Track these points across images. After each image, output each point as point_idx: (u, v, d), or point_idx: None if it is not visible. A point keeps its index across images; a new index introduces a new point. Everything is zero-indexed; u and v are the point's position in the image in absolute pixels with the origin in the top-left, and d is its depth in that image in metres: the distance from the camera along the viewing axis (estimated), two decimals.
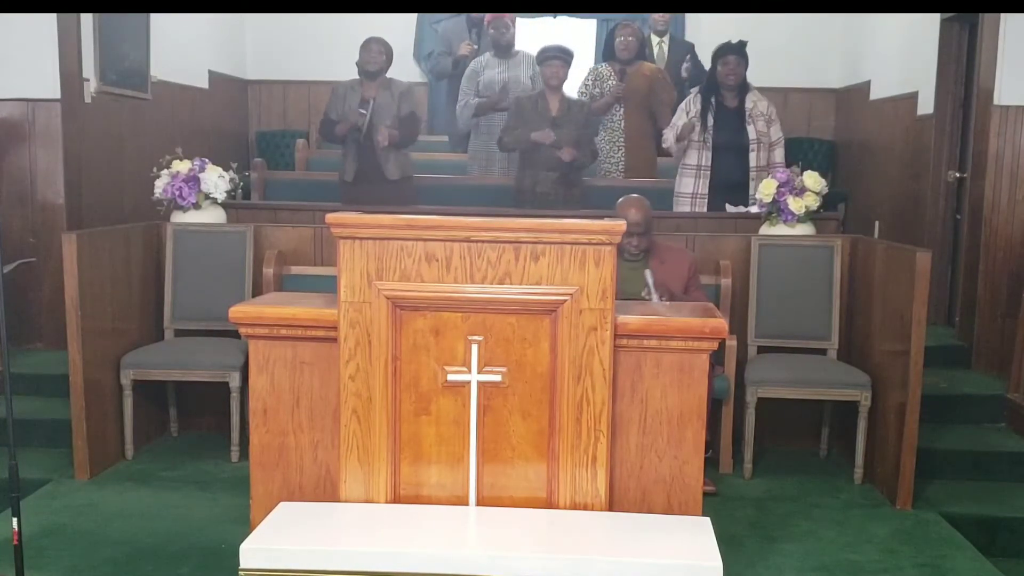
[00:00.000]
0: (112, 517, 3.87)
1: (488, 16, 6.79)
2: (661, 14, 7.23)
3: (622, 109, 6.37)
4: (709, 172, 5.51)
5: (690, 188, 5.59)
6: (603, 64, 6.61)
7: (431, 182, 6.32)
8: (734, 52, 5.47)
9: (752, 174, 5.44)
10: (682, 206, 5.62)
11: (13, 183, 5.45)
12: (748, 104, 5.52)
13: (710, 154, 5.53)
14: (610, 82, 6.38)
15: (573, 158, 5.70)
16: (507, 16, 6.62)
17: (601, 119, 6.40)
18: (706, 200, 5.52)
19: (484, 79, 6.53)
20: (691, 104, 5.59)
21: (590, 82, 6.49)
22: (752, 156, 5.47)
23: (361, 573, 2.58)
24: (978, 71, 5.73)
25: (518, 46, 6.71)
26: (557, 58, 5.78)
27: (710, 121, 5.52)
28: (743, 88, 5.53)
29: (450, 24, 7.60)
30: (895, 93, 6.99)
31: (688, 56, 7.05)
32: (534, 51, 6.69)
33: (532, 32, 7.90)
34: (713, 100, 5.54)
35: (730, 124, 5.51)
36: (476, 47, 7.03)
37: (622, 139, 6.41)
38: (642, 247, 4.32)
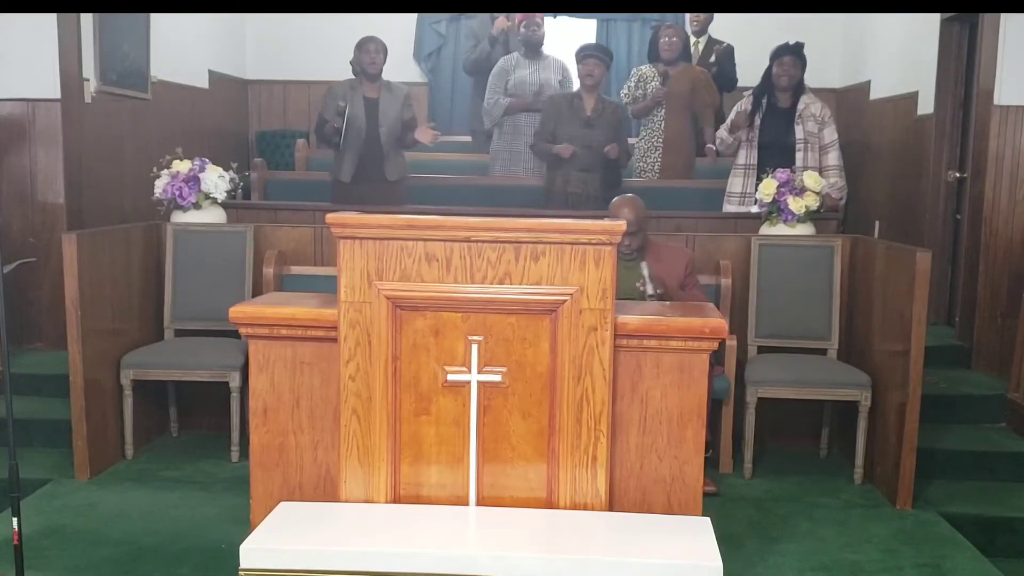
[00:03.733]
0: (112, 517, 3.86)
1: (519, 16, 6.79)
2: (695, 15, 7.23)
3: (663, 110, 6.39)
4: (755, 171, 5.51)
5: (739, 187, 5.62)
6: (646, 65, 6.62)
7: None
8: (790, 53, 5.47)
9: (797, 172, 5.42)
10: (731, 205, 5.65)
11: (13, 183, 5.45)
12: (800, 105, 5.51)
13: (756, 153, 5.55)
14: (653, 83, 6.41)
15: (618, 155, 5.69)
16: (538, 15, 6.62)
17: (639, 120, 6.43)
18: (754, 199, 5.53)
19: (515, 78, 6.51)
20: (744, 105, 5.62)
21: (632, 84, 6.52)
22: (799, 156, 5.46)
23: (361, 573, 2.59)
24: (978, 71, 5.73)
25: (544, 48, 6.70)
26: (594, 57, 5.75)
27: (757, 120, 5.53)
28: (798, 89, 5.53)
29: (474, 23, 7.60)
30: (895, 93, 6.99)
31: (711, 59, 7.04)
32: (555, 53, 6.72)
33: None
34: (765, 100, 5.56)
35: (778, 124, 5.52)
36: (510, 23, 7.00)
37: (661, 140, 6.44)
38: (635, 246, 4.31)
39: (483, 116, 6.71)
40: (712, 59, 6.99)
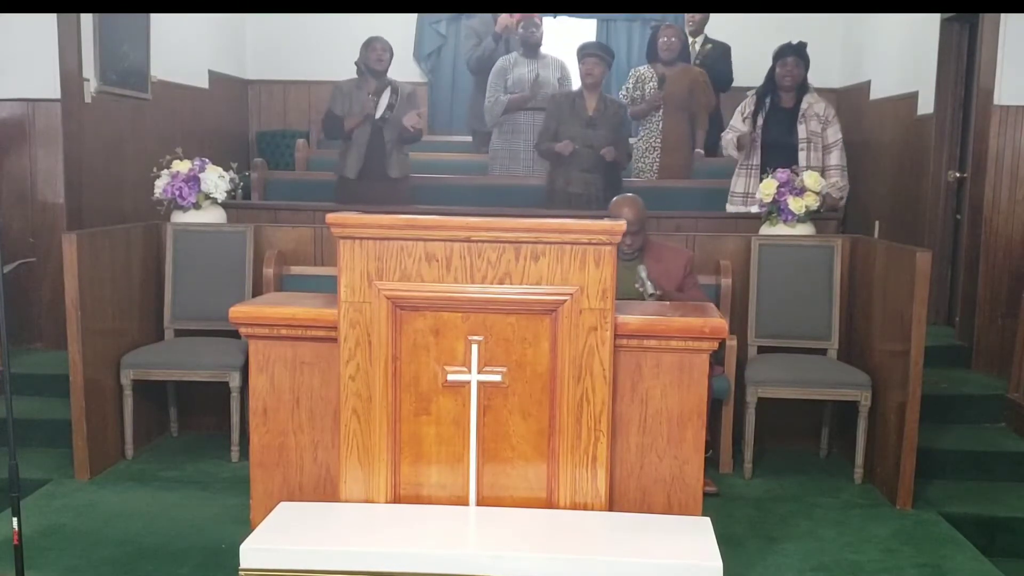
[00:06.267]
0: (112, 517, 3.86)
1: (517, 15, 6.80)
2: (691, 15, 7.23)
3: (661, 110, 6.40)
4: (758, 171, 5.50)
5: (741, 187, 5.62)
6: (644, 66, 6.63)
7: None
8: (793, 53, 5.45)
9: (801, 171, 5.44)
10: (734, 205, 5.65)
11: (13, 183, 5.45)
12: (804, 105, 5.50)
13: (759, 153, 5.54)
14: (650, 83, 6.41)
15: (615, 158, 5.67)
16: (536, 15, 6.64)
17: (638, 120, 6.44)
18: (755, 199, 5.53)
19: (513, 76, 6.52)
20: (747, 106, 5.59)
21: (631, 85, 6.52)
22: (801, 155, 5.44)
23: (361, 573, 2.59)
24: (978, 71, 5.73)
25: (542, 48, 6.71)
26: (595, 55, 5.73)
27: (760, 120, 5.52)
28: (801, 89, 5.52)
29: (474, 21, 7.60)
30: (895, 93, 6.99)
31: (708, 53, 7.06)
32: (554, 52, 6.73)
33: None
34: (768, 100, 5.54)
35: (781, 124, 5.50)
36: (514, 20, 7.03)
37: (659, 140, 6.44)
38: (636, 246, 4.31)
39: (485, 114, 6.71)
40: (708, 59, 6.99)
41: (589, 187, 5.71)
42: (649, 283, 4.03)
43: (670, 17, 7.87)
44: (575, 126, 5.70)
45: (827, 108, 5.55)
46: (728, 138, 5.66)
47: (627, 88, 6.55)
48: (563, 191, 5.74)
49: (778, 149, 5.45)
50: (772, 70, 5.54)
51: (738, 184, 5.68)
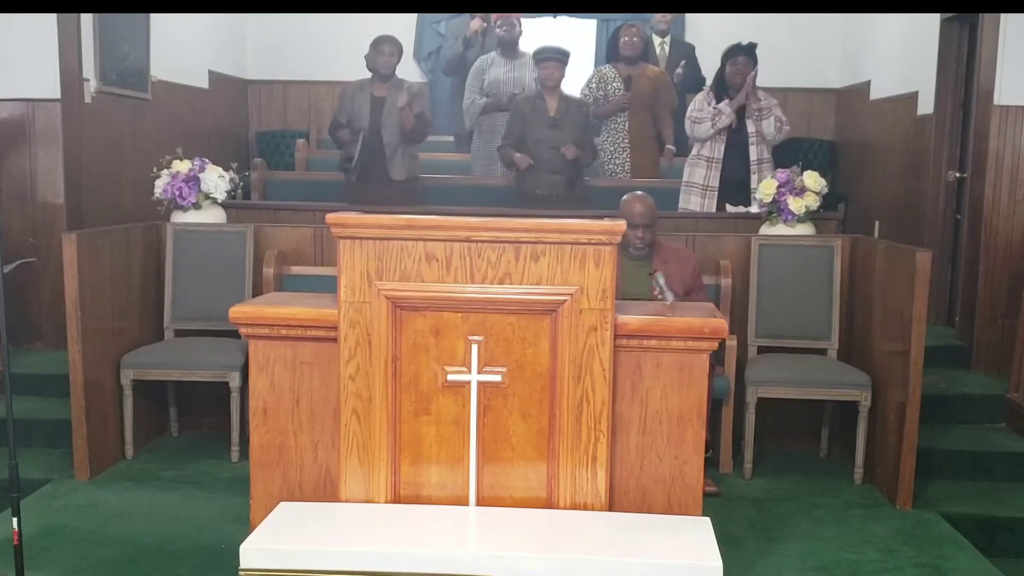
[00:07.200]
0: (112, 517, 3.86)
1: (495, 15, 6.80)
2: (662, 14, 7.23)
3: (627, 111, 6.39)
4: (720, 165, 5.54)
5: (700, 179, 5.62)
6: (607, 65, 6.60)
7: (433, 182, 6.32)
8: (743, 53, 5.49)
9: (753, 167, 5.47)
10: (692, 194, 5.65)
11: (13, 183, 5.45)
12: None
13: (723, 147, 5.56)
14: (614, 83, 6.39)
15: (576, 156, 5.68)
16: (514, 15, 6.64)
17: (602, 120, 6.43)
18: (716, 193, 5.54)
19: (490, 77, 6.52)
20: (707, 100, 5.60)
21: (594, 84, 6.49)
22: (752, 150, 5.50)
23: (361, 573, 2.59)
24: (978, 71, 5.73)
25: (521, 46, 6.72)
26: (553, 59, 5.79)
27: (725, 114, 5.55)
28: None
29: (455, 22, 7.61)
30: (895, 93, 6.99)
31: (683, 61, 7.06)
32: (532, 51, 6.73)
33: (533, 32, 7.89)
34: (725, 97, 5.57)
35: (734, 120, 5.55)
36: (486, 24, 7.03)
37: (626, 140, 6.43)
38: (647, 241, 4.31)
39: (464, 116, 6.73)
40: (681, 66, 6.99)
41: (556, 188, 5.74)
42: (669, 293, 4.04)
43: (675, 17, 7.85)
44: (539, 128, 5.73)
45: (766, 102, 5.53)
46: (700, 114, 5.58)
47: (590, 87, 6.50)
48: (531, 193, 5.76)
49: (734, 146, 5.53)
50: (722, 69, 5.57)
51: (695, 175, 5.64)
